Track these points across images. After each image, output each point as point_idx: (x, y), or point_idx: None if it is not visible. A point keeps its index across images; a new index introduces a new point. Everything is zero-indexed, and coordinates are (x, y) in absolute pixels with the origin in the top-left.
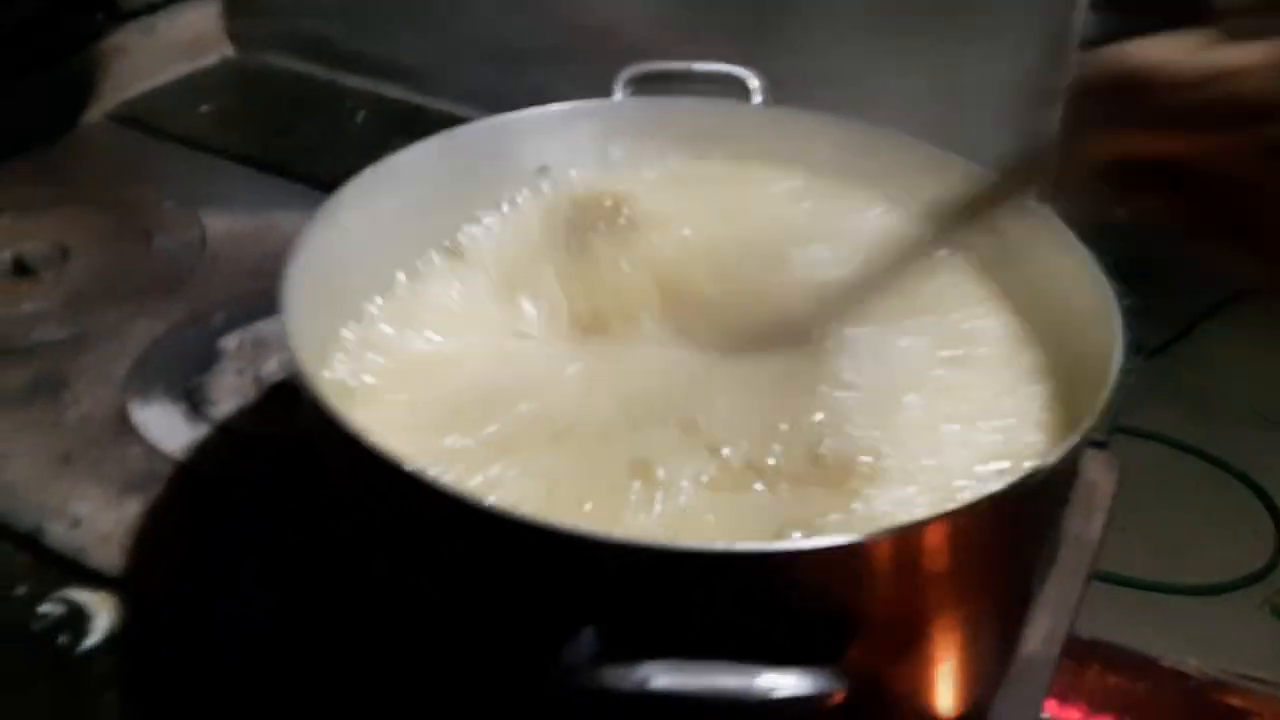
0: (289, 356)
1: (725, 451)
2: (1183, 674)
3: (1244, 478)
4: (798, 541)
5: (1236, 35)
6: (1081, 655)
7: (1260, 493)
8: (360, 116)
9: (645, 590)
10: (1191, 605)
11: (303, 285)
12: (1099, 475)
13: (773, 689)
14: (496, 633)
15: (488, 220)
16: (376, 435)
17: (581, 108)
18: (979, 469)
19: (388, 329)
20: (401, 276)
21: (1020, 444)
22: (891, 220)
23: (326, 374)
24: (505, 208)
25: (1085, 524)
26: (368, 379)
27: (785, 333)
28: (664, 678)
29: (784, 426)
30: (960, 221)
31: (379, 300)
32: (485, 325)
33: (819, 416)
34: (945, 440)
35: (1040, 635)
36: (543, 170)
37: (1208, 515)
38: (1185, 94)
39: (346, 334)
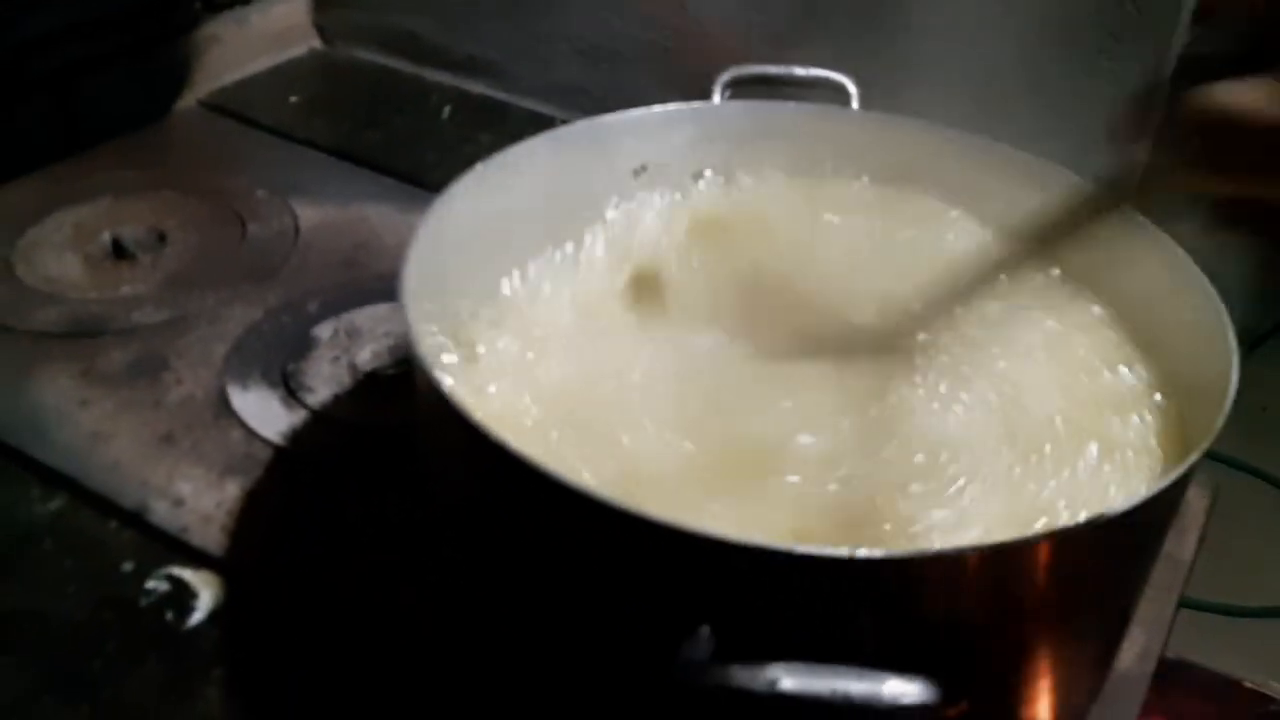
0: (383, 346)
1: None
2: (1265, 697)
3: None
4: (920, 549)
5: None
6: (1164, 675)
7: None
8: (446, 111)
9: (763, 592)
10: (1259, 628)
11: (419, 278)
12: (1192, 496)
13: (900, 696)
14: (611, 629)
15: (592, 222)
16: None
17: (683, 110)
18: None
19: (498, 323)
20: (512, 272)
21: (1131, 464)
22: (984, 231)
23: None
24: (610, 212)
25: (1178, 544)
26: (479, 371)
27: (869, 343)
28: (792, 680)
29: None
30: (1055, 235)
31: (489, 295)
32: (591, 325)
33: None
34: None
35: (1134, 653)
36: (641, 170)
37: (1271, 538)
38: (1270, 140)
39: (459, 325)
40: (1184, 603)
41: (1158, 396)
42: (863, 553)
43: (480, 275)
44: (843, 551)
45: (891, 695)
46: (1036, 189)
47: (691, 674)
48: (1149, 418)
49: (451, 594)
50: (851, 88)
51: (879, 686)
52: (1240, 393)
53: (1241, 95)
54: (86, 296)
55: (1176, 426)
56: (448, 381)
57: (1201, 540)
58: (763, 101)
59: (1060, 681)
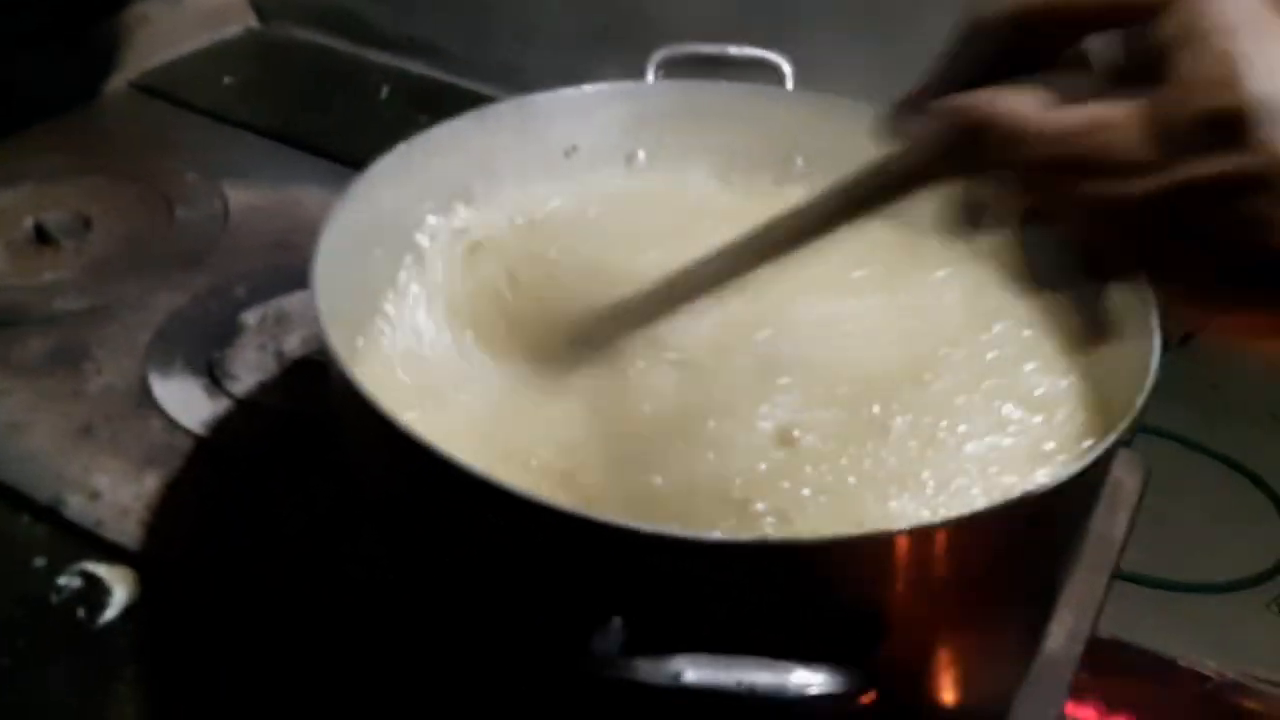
0: (312, 333)
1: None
2: (1201, 675)
3: (1255, 478)
4: (834, 534)
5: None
6: (1097, 654)
7: (1271, 494)
8: (384, 92)
9: (674, 581)
10: (1199, 603)
11: (333, 261)
12: (1124, 474)
13: (806, 686)
14: (521, 620)
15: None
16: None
17: (615, 89)
18: (1004, 471)
19: (411, 307)
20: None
21: (1055, 442)
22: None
23: (356, 349)
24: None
25: (1109, 522)
26: (390, 355)
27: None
28: (696, 672)
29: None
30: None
31: (404, 279)
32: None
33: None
34: (973, 440)
35: (1063, 633)
36: (572, 151)
37: (1217, 514)
38: (1042, 149)
39: (374, 311)
40: (1128, 578)
41: (1081, 379)
42: (774, 538)
43: (397, 258)
44: (754, 537)
45: (798, 685)
46: None
47: (599, 666)
48: (1073, 400)
49: (371, 585)
50: (787, 68)
51: (785, 677)
52: (1190, 370)
53: (1013, 102)
54: (6, 284)
55: (1100, 409)
56: (357, 371)
57: (1133, 518)
58: (695, 81)
59: (979, 666)
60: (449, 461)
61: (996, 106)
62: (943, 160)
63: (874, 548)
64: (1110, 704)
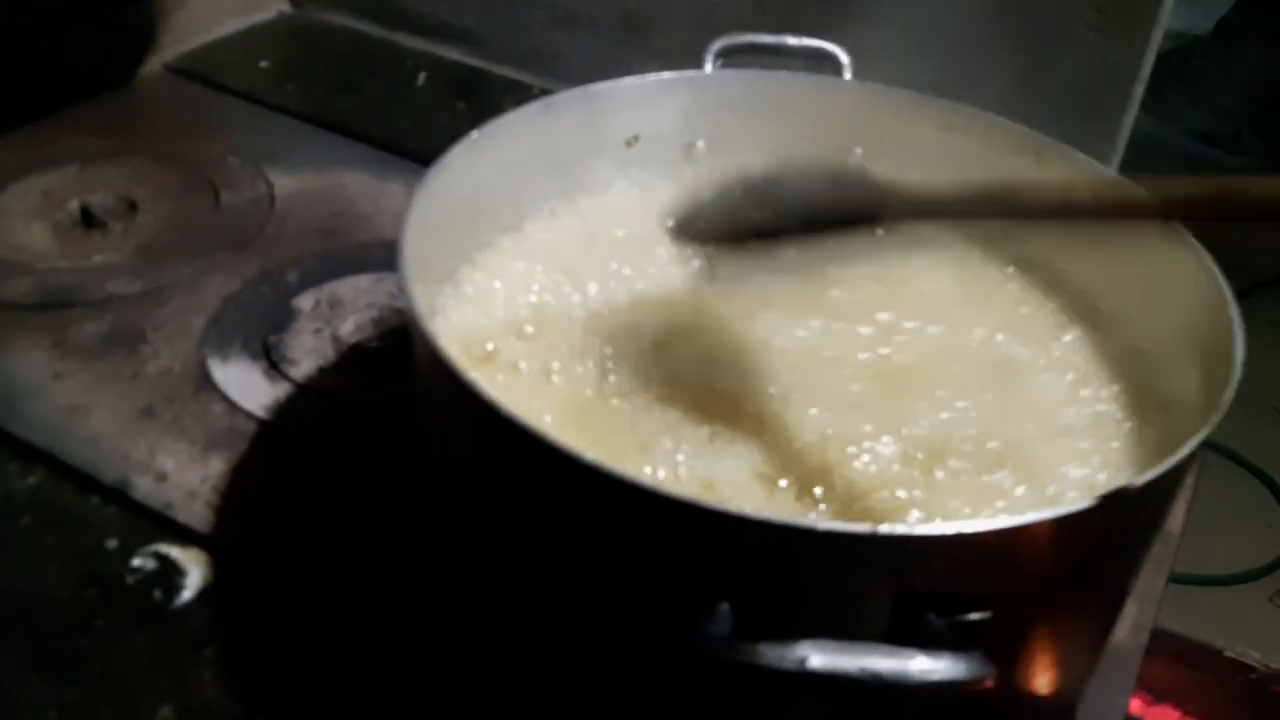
0: (366, 318)
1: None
2: (1245, 666)
3: (1257, 472)
4: (941, 526)
5: None
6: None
7: (1273, 487)
8: (421, 78)
9: (783, 569)
10: (1201, 596)
11: (415, 245)
12: None
13: (930, 672)
14: (626, 607)
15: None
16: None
17: (678, 79)
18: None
19: (494, 288)
20: (503, 239)
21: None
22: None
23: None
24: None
25: (1171, 517)
26: (473, 339)
27: None
28: (820, 657)
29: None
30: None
31: (482, 261)
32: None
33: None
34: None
35: (1127, 626)
36: (634, 140)
37: (1219, 508)
38: None
39: (448, 294)
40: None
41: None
42: (884, 529)
43: (471, 242)
44: (864, 528)
45: (920, 672)
46: (1031, 161)
47: (714, 650)
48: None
49: (456, 572)
50: (844, 58)
51: (907, 664)
52: None
53: None
54: (57, 266)
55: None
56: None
57: (1189, 512)
58: (758, 70)
59: (1069, 655)
60: (554, 446)
61: None
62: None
63: (987, 538)
64: (1155, 693)
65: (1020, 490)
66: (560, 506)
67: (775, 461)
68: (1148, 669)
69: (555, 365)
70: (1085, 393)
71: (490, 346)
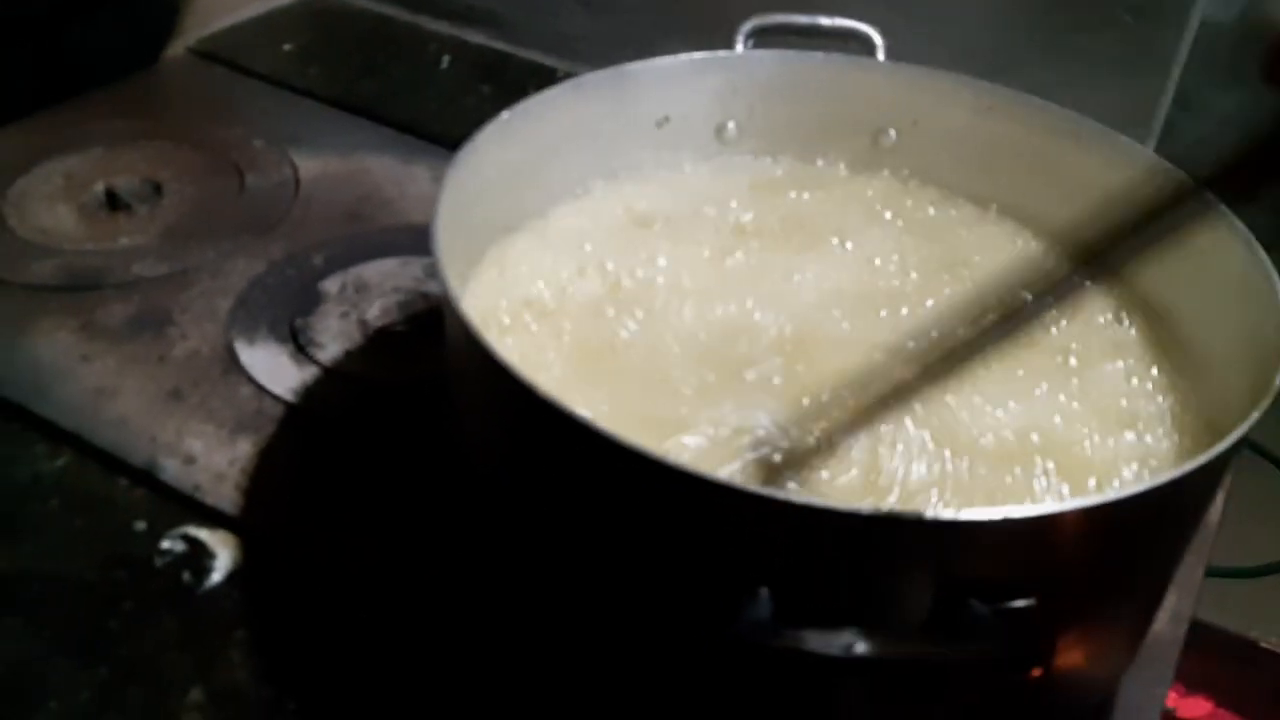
0: (392, 301)
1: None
2: (1277, 656)
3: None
4: (987, 511)
5: None
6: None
7: None
8: (445, 61)
9: (823, 553)
10: (1223, 588)
11: (448, 227)
12: None
13: (977, 659)
14: (664, 592)
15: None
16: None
17: (710, 59)
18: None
19: (520, 271)
20: (531, 220)
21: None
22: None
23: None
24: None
25: (1211, 508)
26: (504, 319)
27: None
28: (866, 644)
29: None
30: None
31: (509, 243)
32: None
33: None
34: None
35: (1166, 616)
36: (664, 121)
37: (1240, 500)
38: None
39: (479, 275)
40: None
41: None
42: (931, 515)
43: (502, 223)
44: (912, 514)
45: (968, 659)
46: (1071, 145)
47: (756, 636)
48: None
49: (488, 557)
50: (877, 38)
51: (954, 651)
52: None
53: None
54: (82, 248)
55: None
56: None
57: (1227, 502)
58: (790, 51)
59: (1111, 644)
60: (593, 429)
61: None
62: None
63: (1038, 524)
64: (1189, 685)
65: (1062, 481)
66: (597, 489)
67: (807, 446)
68: (1186, 662)
69: (577, 345)
70: (1134, 383)
71: (507, 322)
